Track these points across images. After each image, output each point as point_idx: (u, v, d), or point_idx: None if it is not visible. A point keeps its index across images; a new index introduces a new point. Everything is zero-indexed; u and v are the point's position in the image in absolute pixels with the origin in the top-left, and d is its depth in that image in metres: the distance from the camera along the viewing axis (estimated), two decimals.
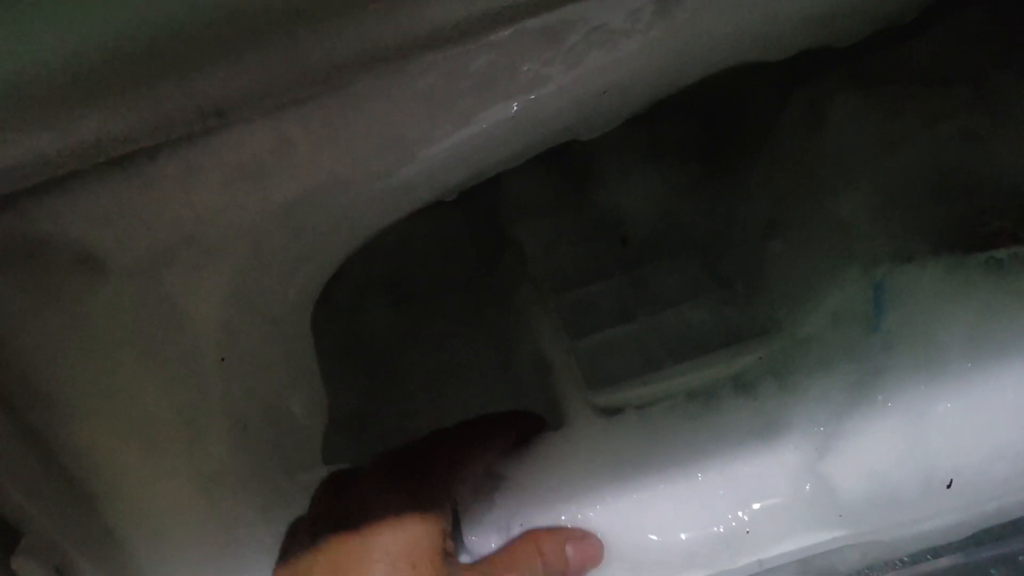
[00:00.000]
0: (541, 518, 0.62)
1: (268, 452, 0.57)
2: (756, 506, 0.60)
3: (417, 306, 0.88)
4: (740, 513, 0.60)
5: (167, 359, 0.50)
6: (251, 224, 0.49)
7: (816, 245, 0.67)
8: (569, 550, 0.56)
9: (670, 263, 0.80)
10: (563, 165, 0.94)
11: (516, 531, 0.61)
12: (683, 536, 0.60)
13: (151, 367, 0.50)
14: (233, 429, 0.54)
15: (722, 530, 0.60)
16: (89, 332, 0.48)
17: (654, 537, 0.60)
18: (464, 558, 0.65)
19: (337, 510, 0.48)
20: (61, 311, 0.47)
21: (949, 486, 0.57)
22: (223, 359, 0.52)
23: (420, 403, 0.77)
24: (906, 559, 0.62)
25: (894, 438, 0.58)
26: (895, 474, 0.58)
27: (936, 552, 0.62)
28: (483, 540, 0.63)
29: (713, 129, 0.90)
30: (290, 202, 0.49)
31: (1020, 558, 0.62)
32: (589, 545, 0.57)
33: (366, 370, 0.81)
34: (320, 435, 0.61)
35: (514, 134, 0.51)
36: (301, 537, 0.50)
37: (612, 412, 0.68)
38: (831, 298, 0.64)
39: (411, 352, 0.83)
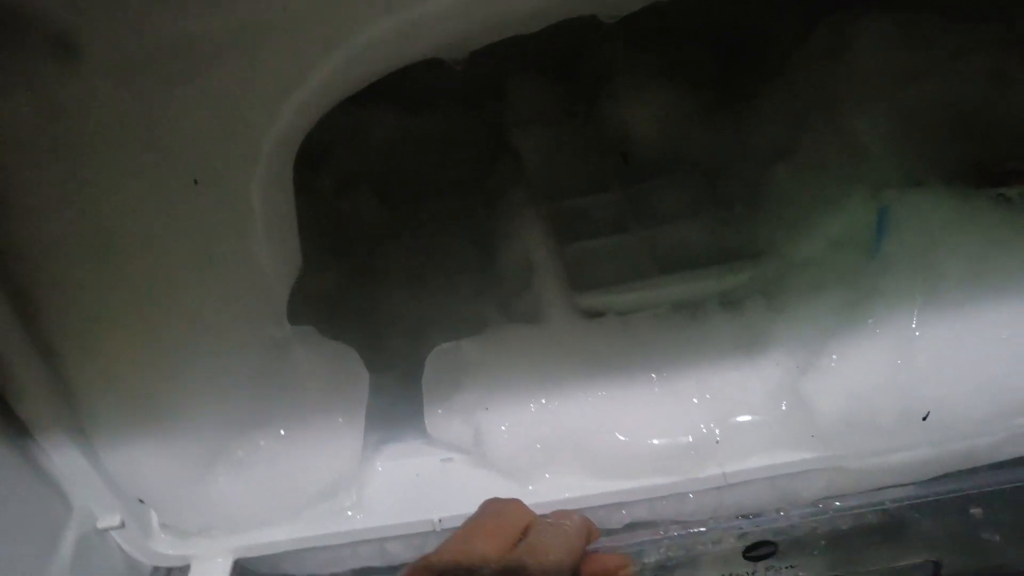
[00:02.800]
0: (507, 405, 0.60)
1: (232, 295, 0.54)
2: (729, 419, 0.59)
3: (405, 202, 0.86)
4: (712, 424, 0.58)
5: (137, 170, 0.47)
6: (242, 38, 0.46)
7: (825, 169, 0.65)
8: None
9: (670, 182, 0.78)
10: (571, 78, 0.91)
11: (480, 415, 0.59)
12: (652, 441, 0.58)
13: (120, 175, 0.47)
14: (197, 260, 0.51)
15: (691, 439, 0.58)
16: (59, 124, 0.45)
17: (622, 437, 0.58)
18: (418, 442, 0.62)
19: None
20: (31, 95, 0.43)
21: (925, 418, 0.56)
22: (196, 181, 0.49)
23: (397, 288, 0.75)
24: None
25: (878, 362, 0.56)
26: (874, 399, 0.56)
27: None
28: (445, 423, 0.61)
29: (732, 60, 0.88)
30: (288, 16, 0.46)
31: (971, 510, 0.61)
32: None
33: (346, 254, 0.79)
34: (287, 292, 0.58)
35: None
36: None
37: (594, 315, 0.66)
38: (833, 222, 0.62)
39: (393, 242, 0.80)
